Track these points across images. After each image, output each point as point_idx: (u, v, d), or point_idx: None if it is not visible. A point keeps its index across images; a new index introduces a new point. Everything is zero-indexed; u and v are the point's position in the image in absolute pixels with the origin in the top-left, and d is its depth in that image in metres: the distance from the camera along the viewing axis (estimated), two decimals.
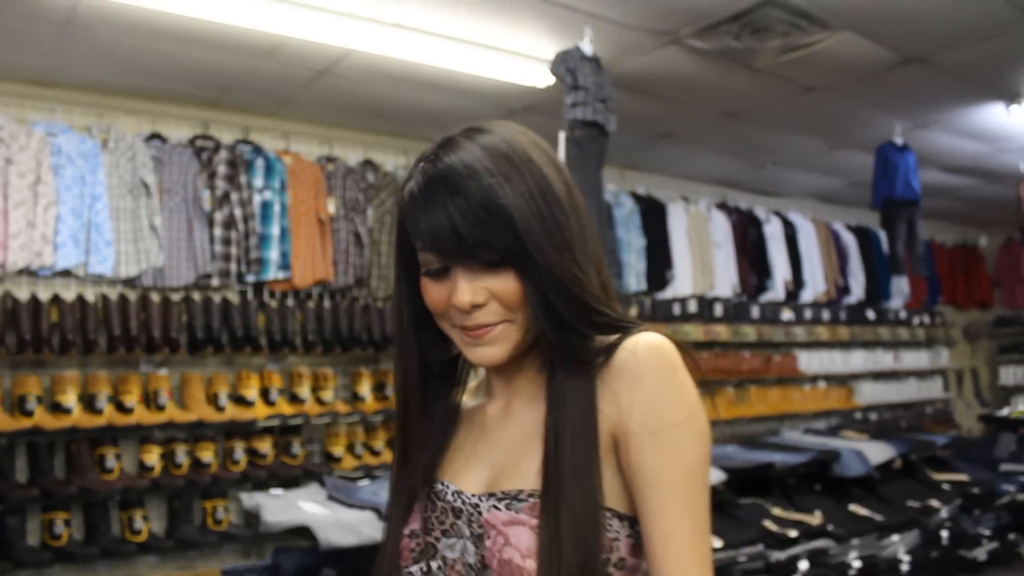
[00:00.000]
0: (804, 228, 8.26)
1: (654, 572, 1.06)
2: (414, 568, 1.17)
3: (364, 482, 3.25)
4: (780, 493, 3.55)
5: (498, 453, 1.18)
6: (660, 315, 6.75)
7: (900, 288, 8.88)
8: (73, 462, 4.64)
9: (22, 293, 4.63)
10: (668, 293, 7.01)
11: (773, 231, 7.92)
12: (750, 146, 6.71)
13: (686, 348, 1.11)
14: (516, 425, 1.19)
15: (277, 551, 2.53)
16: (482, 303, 1.10)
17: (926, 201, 8.58)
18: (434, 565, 1.15)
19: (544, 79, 4.60)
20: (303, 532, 2.40)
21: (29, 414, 4.50)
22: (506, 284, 1.09)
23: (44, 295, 4.66)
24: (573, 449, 1.08)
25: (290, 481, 4.92)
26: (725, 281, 7.43)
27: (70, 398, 4.62)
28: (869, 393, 8.74)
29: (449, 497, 1.17)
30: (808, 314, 8.03)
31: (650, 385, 1.06)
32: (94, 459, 4.68)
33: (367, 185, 5.72)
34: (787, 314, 7.80)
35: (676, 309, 6.91)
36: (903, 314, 9.14)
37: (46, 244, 4.68)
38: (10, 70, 4.70)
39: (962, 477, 4.30)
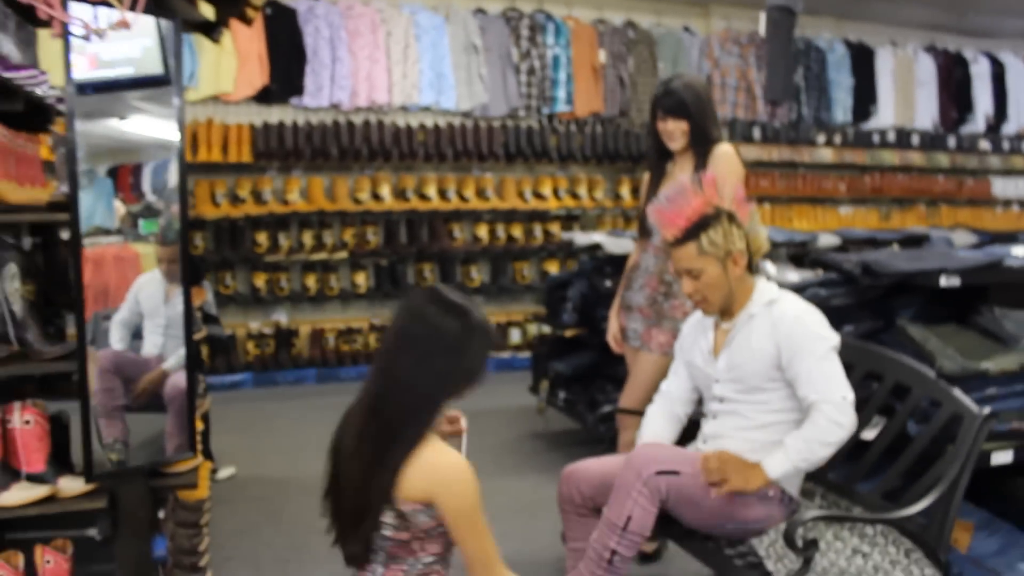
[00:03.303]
0: (1014, 66, 9.29)
1: None
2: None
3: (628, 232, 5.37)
4: None
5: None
6: (860, 142, 8.33)
7: None
8: (433, 232, 7.14)
9: (400, 122, 7.03)
10: (871, 125, 8.52)
11: (980, 71, 9.08)
12: None
13: (738, 150, 3.17)
14: (683, 172, 3.23)
15: (581, 264, 4.78)
16: (675, 129, 3.14)
17: None
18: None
19: None
20: (595, 247, 4.57)
21: (407, 200, 7.00)
22: (682, 125, 3.13)
23: (413, 123, 7.04)
24: None
25: (572, 253, 7.23)
26: (925, 115, 8.79)
27: (431, 190, 7.07)
28: None
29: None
30: (1006, 145, 9.20)
31: (724, 157, 3.10)
32: (446, 231, 7.16)
33: (628, 40, 7.66)
34: (984, 144, 9.03)
35: (875, 138, 8.44)
36: None
37: (414, 89, 7.05)
38: None
39: None
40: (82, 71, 2.26)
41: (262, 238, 6.66)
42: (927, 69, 8.83)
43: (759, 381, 2.34)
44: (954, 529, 2.30)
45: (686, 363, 2.59)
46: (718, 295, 2.37)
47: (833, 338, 2.28)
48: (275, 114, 6.76)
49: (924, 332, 2.51)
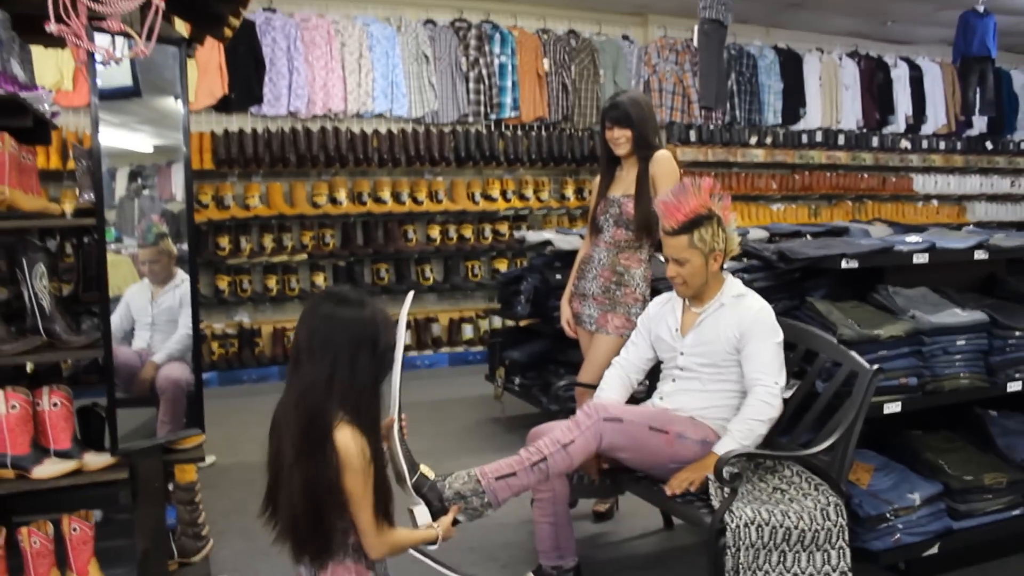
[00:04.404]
0: (930, 70, 9.90)
1: None
2: (600, 217, 3.67)
3: (574, 229, 5.79)
4: None
5: (624, 185, 3.66)
6: (789, 143, 8.86)
7: None
8: (388, 234, 7.48)
9: (355, 129, 7.35)
10: (800, 126, 9.06)
11: (899, 74, 9.67)
12: (866, 10, 8.49)
13: (676, 155, 3.61)
14: (629, 175, 3.66)
15: (532, 259, 5.16)
16: (620, 136, 3.55)
17: None
18: (607, 215, 3.64)
19: None
20: (545, 244, 4.98)
21: (363, 203, 7.33)
22: (626, 132, 3.55)
23: (368, 130, 7.37)
24: (643, 183, 3.56)
25: (520, 251, 7.63)
26: (850, 116, 9.36)
27: (385, 194, 7.42)
28: (982, 212, 10.41)
29: (611, 197, 3.66)
30: (925, 144, 9.79)
31: (662, 161, 3.52)
32: (401, 232, 7.51)
33: (571, 49, 8.09)
34: (905, 143, 9.62)
35: (804, 138, 8.97)
36: None
37: (368, 97, 7.39)
38: None
39: None
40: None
41: (224, 242, 6.94)
42: (851, 74, 9.40)
43: (719, 358, 2.80)
44: (856, 471, 2.74)
45: (651, 336, 3.02)
46: (696, 282, 2.82)
47: (781, 334, 2.75)
48: (235, 122, 7.05)
49: (828, 306, 2.96)
